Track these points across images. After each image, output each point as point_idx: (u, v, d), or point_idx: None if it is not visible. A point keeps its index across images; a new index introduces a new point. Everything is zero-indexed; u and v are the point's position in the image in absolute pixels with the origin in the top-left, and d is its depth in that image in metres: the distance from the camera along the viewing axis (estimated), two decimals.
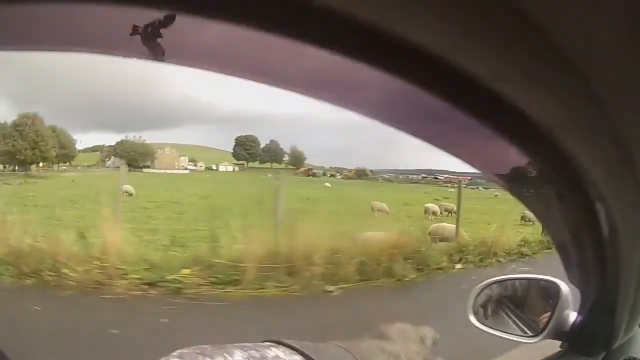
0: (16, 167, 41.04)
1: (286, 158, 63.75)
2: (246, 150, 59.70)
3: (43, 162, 47.37)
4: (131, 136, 58.44)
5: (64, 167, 48.72)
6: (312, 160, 59.48)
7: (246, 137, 60.09)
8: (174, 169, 50.49)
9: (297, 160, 60.94)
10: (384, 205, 13.45)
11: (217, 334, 3.40)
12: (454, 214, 9.88)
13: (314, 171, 56.42)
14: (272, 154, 60.80)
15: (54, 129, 48.83)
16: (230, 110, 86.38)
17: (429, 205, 13.62)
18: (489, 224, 7.98)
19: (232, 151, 61.46)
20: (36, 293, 4.21)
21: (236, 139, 58.14)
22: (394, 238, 5.64)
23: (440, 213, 13.04)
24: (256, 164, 59.54)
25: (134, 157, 54.17)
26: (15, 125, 47.34)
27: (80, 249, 4.72)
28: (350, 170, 55.65)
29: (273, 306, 4.43)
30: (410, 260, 5.38)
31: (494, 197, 16.24)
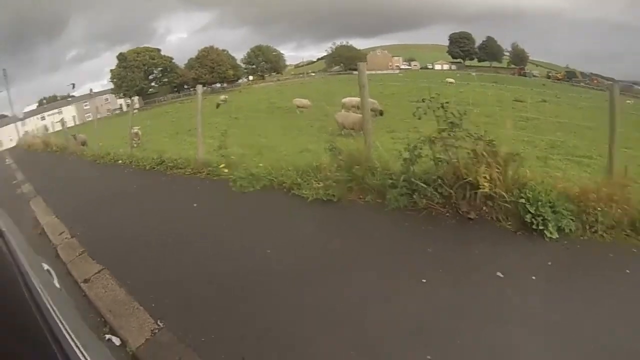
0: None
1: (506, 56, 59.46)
2: (460, 48, 59.01)
3: (221, 82, 62.24)
4: (344, 42, 66.51)
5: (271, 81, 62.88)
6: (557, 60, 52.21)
7: (459, 34, 59.29)
8: (388, 69, 55.36)
9: (519, 58, 57.01)
10: None
11: None
12: None
13: (525, 71, 52.29)
14: (489, 51, 58.15)
15: (228, 55, 62.78)
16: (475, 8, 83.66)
17: None
18: None
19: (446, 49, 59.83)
20: None
21: (450, 36, 58.14)
22: None
23: None
24: (474, 62, 57.81)
25: (346, 62, 61.76)
26: (196, 58, 63.88)
27: None
28: (558, 72, 49.77)
29: None
30: None
31: None
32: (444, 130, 3.50)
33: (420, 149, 3.73)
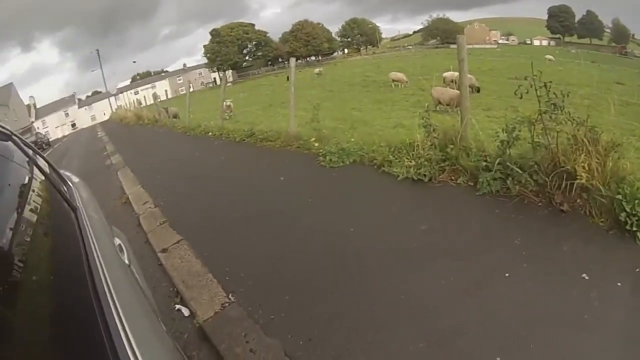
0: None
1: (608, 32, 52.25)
2: (559, 22, 53.10)
3: (316, 55, 60.99)
4: (440, 15, 62.76)
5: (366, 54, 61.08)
6: None
7: (559, 7, 53.10)
8: (485, 43, 51.24)
9: (621, 36, 49.57)
10: None
11: None
12: None
13: (627, 50, 45.71)
14: (589, 27, 51.41)
15: (322, 28, 61.12)
16: None
17: None
18: None
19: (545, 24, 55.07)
20: None
21: (549, 10, 52.67)
22: None
23: None
24: (574, 38, 51.99)
25: (442, 35, 58.29)
26: (290, 32, 63.53)
27: None
28: None
29: None
30: None
31: None
32: (545, 112, 3.31)
33: (519, 131, 3.55)
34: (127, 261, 1.85)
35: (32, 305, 0.83)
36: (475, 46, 45.39)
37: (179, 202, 5.20)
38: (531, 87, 3.31)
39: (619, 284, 2.34)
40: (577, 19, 53.36)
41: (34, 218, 1.14)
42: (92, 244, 1.30)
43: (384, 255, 2.96)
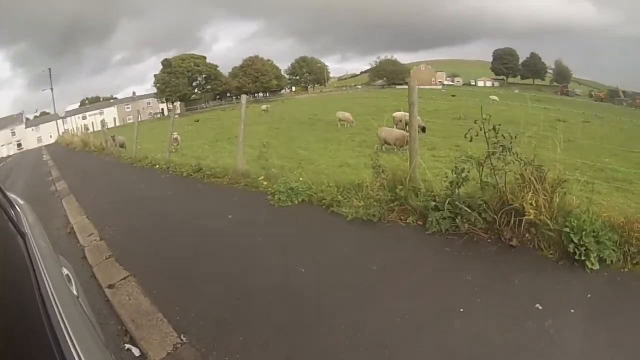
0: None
1: (550, 73, 58.03)
2: (504, 64, 58.34)
3: (264, 91, 63.62)
4: (388, 56, 66.75)
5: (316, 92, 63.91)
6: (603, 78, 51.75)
7: (504, 50, 58.49)
8: (430, 85, 55.00)
9: (562, 76, 55.47)
10: None
11: None
12: None
13: (568, 90, 51.13)
14: (532, 68, 57.04)
15: (272, 65, 64.21)
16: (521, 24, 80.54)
17: None
18: None
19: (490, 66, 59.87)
20: None
21: (494, 53, 57.56)
22: None
23: None
24: (517, 79, 56.93)
25: (389, 76, 61.84)
26: (240, 67, 66.22)
27: None
28: (600, 91, 48.57)
29: None
30: None
31: None
32: (494, 154, 3.52)
33: (468, 171, 3.74)
34: (75, 292, 1.77)
35: None
36: (421, 87, 48.29)
37: (125, 235, 5.03)
38: (480, 129, 3.53)
39: (572, 310, 2.49)
40: (521, 61, 58.02)
41: None
42: (43, 274, 1.24)
43: (337, 294, 2.98)
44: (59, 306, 1.09)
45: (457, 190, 3.75)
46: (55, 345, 0.90)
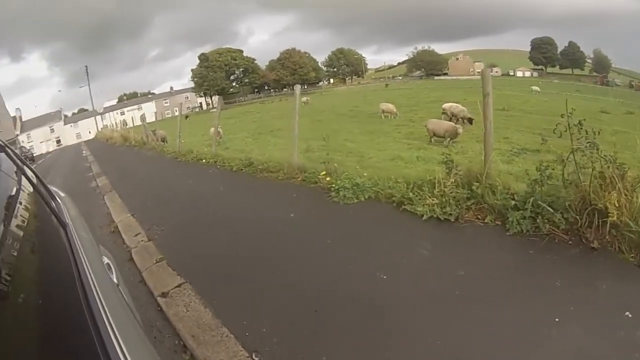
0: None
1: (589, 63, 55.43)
2: (542, 54, 55.87)
3: (302, 84, 64.18)
4: (425, 46, 65.25)
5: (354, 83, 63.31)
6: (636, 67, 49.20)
7: (542, 39, 56.04)
8: (469, 75, 53.12)
9: (601, 66, 52.72)
10: None
11: None
12: None
13: (608, 80, 49.09)
14: (571, 57, 54.34)
15: (309, 57, 63.61)
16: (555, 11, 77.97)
17: None
18: None
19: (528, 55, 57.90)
20: None
21: (532, 42, 55.36)
22: None
23: None
24: (556, 69, 54.62)
25: (427, 66, 60.40)
26: (277, 60, 65.83)
27: None
28: None
29: None
30: None
31: None
32: (577, 150, 3.32)
33: (553, 169, 3.52)
34: (115, 280, 1.81)
35: (24, 324, 0.81)
36: (459, 78, 46.81)
37: (176, 236, 4.66)
38: (560, 125, 3.35)
39: None
40: (559, 50, 55.70)
41: (21, 233, 1.10)
42: (83, 262, 1.27)
43: (429, 306, 2.71)
44: (99, 293, 1.12)
45: (540, 189, 3.54)
46: (94, 329, 0.92)
